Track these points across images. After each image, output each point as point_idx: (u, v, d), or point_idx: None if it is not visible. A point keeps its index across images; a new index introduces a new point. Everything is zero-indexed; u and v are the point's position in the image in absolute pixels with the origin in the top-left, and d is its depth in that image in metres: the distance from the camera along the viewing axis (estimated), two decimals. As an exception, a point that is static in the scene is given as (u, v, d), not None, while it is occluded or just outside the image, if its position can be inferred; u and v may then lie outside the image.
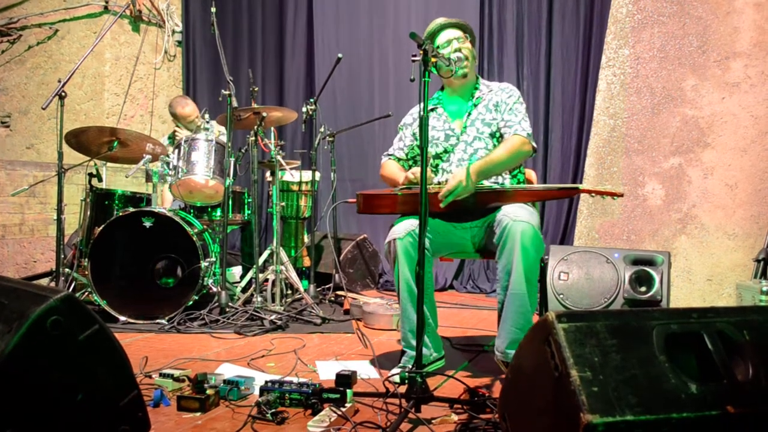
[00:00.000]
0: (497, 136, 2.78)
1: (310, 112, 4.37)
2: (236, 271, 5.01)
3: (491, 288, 5.11)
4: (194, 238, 3.67)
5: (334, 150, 4.86)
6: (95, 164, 4.07)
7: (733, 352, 1.40)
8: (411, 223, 2.55)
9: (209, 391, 2.16)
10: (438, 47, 2.77)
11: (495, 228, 2.56)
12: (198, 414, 2.09)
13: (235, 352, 2.98)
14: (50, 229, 5.27)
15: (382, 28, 5.78)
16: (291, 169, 4.33)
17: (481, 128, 2.78)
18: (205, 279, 3.78)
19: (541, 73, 5.07)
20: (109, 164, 4.68)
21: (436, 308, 2.74)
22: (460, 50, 2.75)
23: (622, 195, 2.68)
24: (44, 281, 4.54)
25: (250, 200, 4.48)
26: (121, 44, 5.96)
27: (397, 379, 2.35)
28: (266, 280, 4.07)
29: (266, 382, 2.20)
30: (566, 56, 4.99)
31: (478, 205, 2.64)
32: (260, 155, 4.37)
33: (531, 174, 3.04)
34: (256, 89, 4.39)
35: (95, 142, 4.00)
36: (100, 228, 3.69)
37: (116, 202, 4.05)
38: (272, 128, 4.30)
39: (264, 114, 4.08)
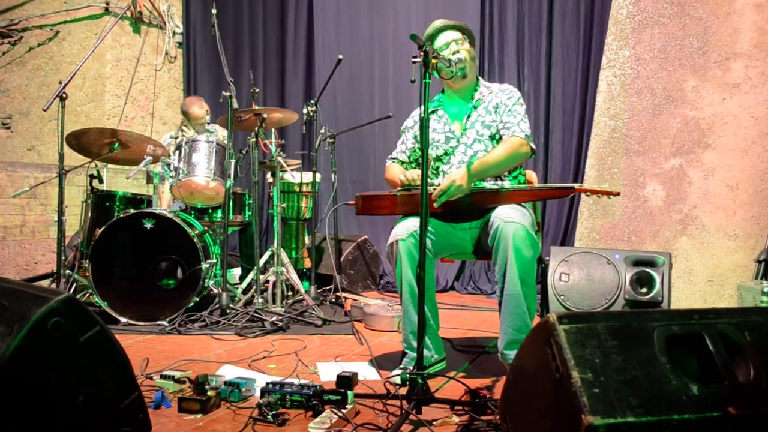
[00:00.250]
0: (497, 138, 2.78)
1: (311, 114, 4.37)
2: (236, 272, 5.01)
3: (492, 289, 5.10)
4: (195, 240, 3.67)
5: (335, 151, 4.86)
6: (96, 166, 4.07)
7: (734, 353, 1.40)
8: (413, 224, 2.55)
9: (210, 393, 2.16)
10: (437, 49, 2.76)
11: (489, 230, 2.56)
12: (199, 415, 2.09)
13: (236, 354, 2.98)
14: (51, 230, 5.28)
15: (382, 29, 5.78)
16: (292, 170, 4.33)
17: (481, 130, 2.78)
18: (206, 280, 3.78)
19: (541, 74, 5.08)
20: (110, 166, 4.68)
21: (438, 310, 2.74)
22: (458, 52, 2.75)
23: (618, 194, 2.68)
24: (45, 283, 4.54)
25: (250, 202, 4.49)
26: (121, 46, 5.96)
27: (398, 380, 2.35)
28: (267, 281, 4.07)
29: (267, 383, 2.20)
30: (567, 57, 4.99)
31: (473, 205, 2.64)
32: (261, 156, 4.37)
33: (531, 175, 3.03)
34: (256, 90, 4.39)
35: (96, 144, 4.00)
36: (101, 229, 3.69)
37: (117, 203, 4.05)
38: (273, 129, 4.30)
39: (265, 115, 4.08)
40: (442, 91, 2.96)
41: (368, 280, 5.21)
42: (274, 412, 2.03)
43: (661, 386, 1.31)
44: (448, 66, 2.64)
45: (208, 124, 4.98)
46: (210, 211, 4.34)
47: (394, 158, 3.01)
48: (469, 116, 2.81)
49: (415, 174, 2.66)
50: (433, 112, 2.87)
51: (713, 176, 4.35)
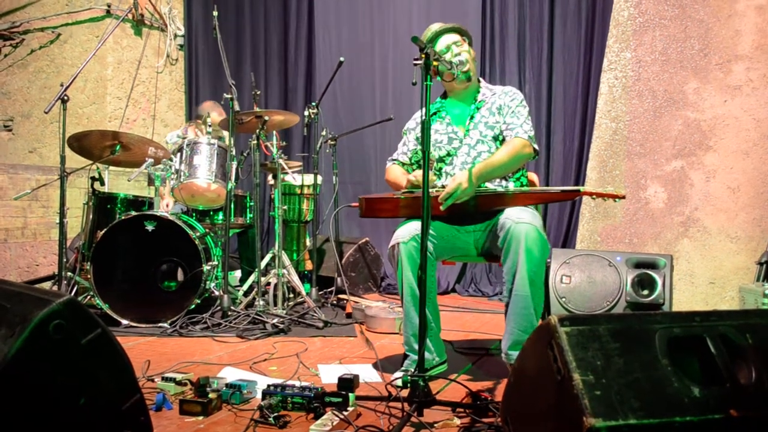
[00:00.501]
0: (500, 140, 2.78)
1: (312, 116, 4.38)
2: (236, 274, 5.01)
3: (493, 291, 5.10)
4: (196, 242, 3.68)
5: (336, 153, 4.86)
6: (97, 168, 4.08)
7: (735, 355, 1.40)
8: (415, 227, 2.55)
9: (211, 395, 2.16)
10: (438, 53, 2.76)
11: (498, 231, 2.56)
12: (200, 418, 2.09)
13: (237, 356, 2.98)
14: (53, 232, 5.28)
15: (383, 31, 5.79)
16: (293, 172, 4.33)
17: (485, 131, 2.78)
18: (207, 282, 3.78)
19: (542, 77, 5.07)
20: (111, 168, 4.68)
21: (439, 312, 2.74)
22: (459, 54, 2.75)
23: (624, 197, 2.68)
24: (47, 285, 4.53)
25: (252, 204, 4.49)
26: (123, 48, 5.97)
27: (399, 382, 2.35)
28: (268, 283, 4.07)
29: (268, 385, 2.20)
30: (568, 59, 4.99)
31: (479, 208, 2.64)
32: (262, 158, 4.37)
33: (533, 177, 3.03)
34: (258, 93, 4.39)
35: (97, 146, 4.00)
36: (103, 231, 3.69)
37: (118, 205, 4.05)
38: (274, 131, 4.30)
39: (266, 117, 4.08)
40: (444, 96, 2.96)
41: (369, 282, 5.21)
42: (276, 414, 2.03)
43: (663, 388, 1.31)
44: (450, 68, 2.64)
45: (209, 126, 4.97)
46: (211, 213, 4.34)
47: (395, 160, 3.01)
48: (472, 117, 2.81)
49: (420, 175, 2.67)
50: (435, 113, 2.88)
51: (715, 178, 4.35)
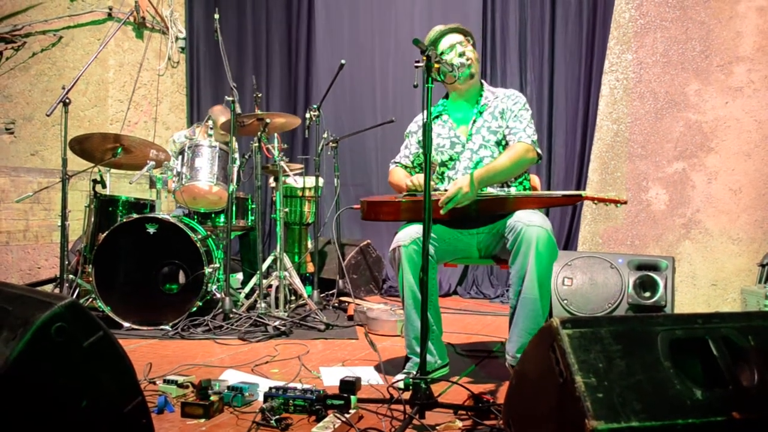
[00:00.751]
0: (503, 144, 2.77)
1: (313, 118, 4.38)
2: (238, 277, 5.01)
3: (495, 294, 5.10)
4: (198, 244, 3.68)
5: (338, 156, 4.87)
6: (99, 171, 4.08)
7: (738, 357, 1.40)
8: (416, 231, 2.54)
9: (213, 398, 2.16)
10: (442, 54, 2.76)
11: (507, 234, 2.55)
12: (202, 420, 2.09)
13: (239, 358, 2.98)
14: (54, 235, 5.28)
15: (384, 34, 5.79)
16: (294, 174, 4.33)
17: (487, 136, 2.77)
18: (209, 285, 3.78)
19: (544, 79, 5.07)
20: (113, 170, 4.68)
21: (441, 315, 2.74)
22: (464, 54, 2.75)
23: (625, 202, 2.67)
24: (48, 287, 4.54)
25: (253, 206, 4.49)
26: (124, 51, 5.98)
27: (401, 385, 2.35)
28: (270, 285, 4.07)
29: (270, 388, 2.19)
30: (569, 61, 4.99)
31: (480, 212, 2.63)
32: (264, 161, 4.38)
33: (535, 179, 3.03)
34: (259, 95, 4.40)
35: (99, 149, 4.01)
36: (104, 234, 3.69)
37: (120, 208, 4.06)
38: (275, 134, 4.31)
39: (267, 120, 4.08)
40: (446, 97, 2.95)
41: (371, 284, 5.21)
42: (277, 416, 2.03)
43: (665, 391, 1.31)
44: (451, 70, 2.63)
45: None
46: (213, 215, 4.34)
47: (398, 162, 3.01)
48: (474, 121, 2.80)
49: (421, 179, 2.66)
50: (437, 117, 2.87)
51: (716, 180, 4.35)
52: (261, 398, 2.21)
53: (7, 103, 6.30)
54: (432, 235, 2.54)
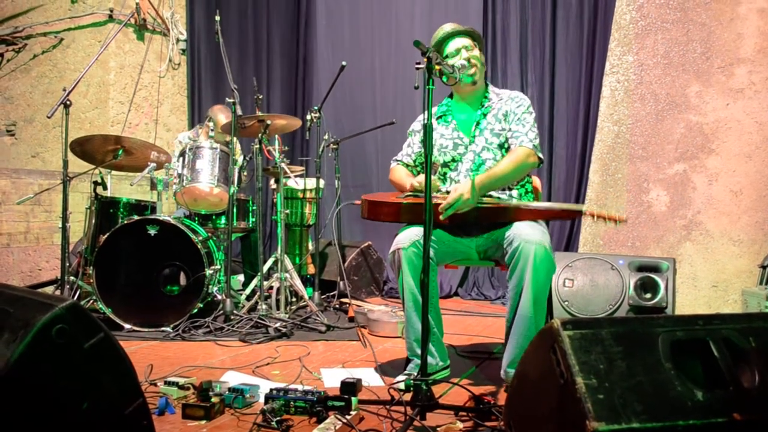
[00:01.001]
0: (506, 147, 2.76)
1: (314, 120, 4.38)
2: (239, 278, 5.01)
3: (496, 295, 5.10)
4: (199, 246, 3.68)
5: (338, 157, 4.87)
6: (100, 172, 4.08)
7: (738, 358, 1.40)
8: (416, 233, 2.54)
9: (214, 399, 2.16)
10: (447, 56, 2.74)
11: (506, 247, 2.53)
12: (203, 422, 2.09)
13: (239, 360, 2.98)
14: (55, 237, 5.29)
15: (385, 35, 5.80)
16: (295, 176, 4.33)
17: (490, 138, 2.76)
18: (210, 287, 3.78)
19: (545, 80, 5.07)
20: (113, 172, 4.69)
21: (441, 317, 2.74)
22: (469, 59, 2.73)
23: (625, 221, 2.65)
24: (49, 289, 4.54)
25: (254, 208, 4.49)
26: (125, 53, 5.98)
27: (402, 386, 2.35)
28: (271, 287, 4.07)
29: (271, 389, 2.20)
30: (570, 63, 4.99)
31: (479, 220, 2.62)
32: (264, 163, 4.38)
33: (536, 181, 3.02)
34: (260, 97, 4.40)
35: (100, 151, 4.01)
36: (105, 236, 3.69)
37: (121, 210, 4.06)
38: (276, 136, 4.31)
39: (268, 122, 4.09)
40: (451, 96, 2.93)
41: (372, 286, 5.21)
42: (278, 418, 2.03)
43: (666, 392, 1.31)
44: (452, 72, 2.61)
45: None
46: (214, 217, 4.34)
47: (399, 160, 3.00)
48: (478, 123, 2.79)
49: (423, 180, 2.65)
50: (441, 117, 2.86)
51: (717, 181, 4.34)
52: (262, 400, 2.21)
53: (8, 105, 6.31)
54: (431, 237, 2.54)
